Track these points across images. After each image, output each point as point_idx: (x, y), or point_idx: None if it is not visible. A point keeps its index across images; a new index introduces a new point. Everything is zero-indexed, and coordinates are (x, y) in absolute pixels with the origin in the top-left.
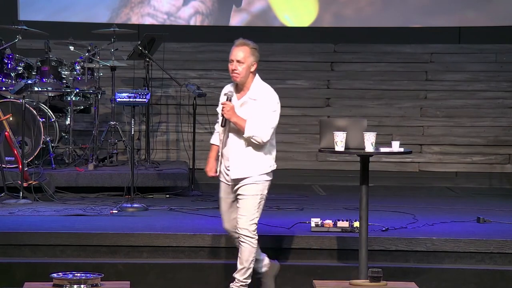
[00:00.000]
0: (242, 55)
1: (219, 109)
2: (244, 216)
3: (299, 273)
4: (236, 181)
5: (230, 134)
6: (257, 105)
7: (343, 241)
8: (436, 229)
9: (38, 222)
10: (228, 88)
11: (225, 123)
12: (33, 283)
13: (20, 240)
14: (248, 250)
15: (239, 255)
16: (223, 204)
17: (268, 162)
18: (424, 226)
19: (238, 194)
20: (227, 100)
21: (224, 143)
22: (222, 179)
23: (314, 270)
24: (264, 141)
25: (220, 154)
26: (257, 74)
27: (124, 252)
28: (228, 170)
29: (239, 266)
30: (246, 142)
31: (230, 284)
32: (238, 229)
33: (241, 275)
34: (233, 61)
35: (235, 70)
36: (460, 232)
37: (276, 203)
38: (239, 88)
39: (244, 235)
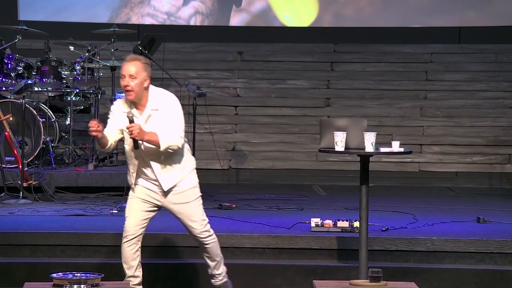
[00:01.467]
0: (134, 70)
1: (121, 125)
2: (197, 222)
3: (299, 273)
4: (168, 191)
5: (144, 152)
6: (162, 114)
7: (343, 241)
8: (436, 229)
9: (38, 222)
10: (123, 108)
11: (138, 145)
12: (33, 283)
13: (20, 240)
14: (215, 246)
15: (207, 255)
16: (137, 202)
17: (191, 162)
18: (424, 226)
19: (176, 203)
20: (130, 122)
21: (141, 163)
22: (145, 186)
23: (314, 270)
24: (180, 146)
25: (133, 172)
26: (150, 85)
27: None
28: (155, 184)
29: (212, 263)
30: (164, 153)
31: (213, 281)
32: (198, 235)
33: (219, 268)
34: (124, 76)
35: (127, 86)
36: (460, 232)
37: (276, 203)
38: (136, 103)
39: (206, 237)
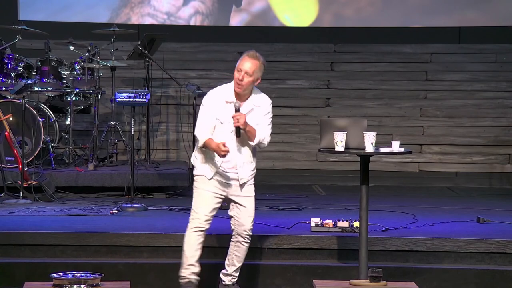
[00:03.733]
0: (252, 68)
1: (217, 114)
2: (251, 217)
3: (299, 273)
4: (243, 184)
5: (236, 141)
6: (261, 112)
7: (343, 241)
8: (436, 229)
9: (38, 222)
10: (224, 97)
11: (240, 133)
12: (33, 283)
13: (20, 240)
14: (247, 249)
15: (237, 254)
16: (211, 197)
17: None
18: (424, 226)
19: (244, 196)
20: (237, 110)
21: (231, 153)
22: (216, 177)
23: (314, 270)
24: (266, 146)
25: (215, 161)
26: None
27: (124, 252)
28: (231, 177)
29: (238, 264)
30: (248, 147)
31: (226, 282)
32: (246, 231)
33: (238, 270)
34: (241, 71)
35: (241, 80)
36: (460, 232)
37: (276, 203)
38: (239, 96)
39: (249, 235)
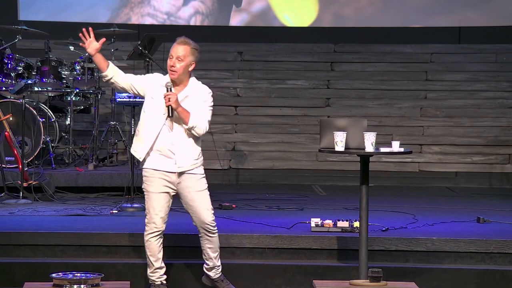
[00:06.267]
0: (182, 53)
1: (151, 92)
2: (208, 210)
3: (299, 273)
4: (181, 173)
5: (173, 126)
6: (197, 99)
7: (343, 241)
8: (436, 229)
9: (38, 222)
10: (161, 81)
11: (173, 113)
12: (33, 283)
13: (20, 240)
14: (217, 238)
15: (210, 246)
16: (159, 198)
17: (202, 157)
18: (424, 226)
19: (192, 191)
20: (168, 90)
21: (164, 136)
22: (156, 168)
23: (314, 270)
24: (202, 133)
25: (151, 143)
26: (192, 75)
27: (124, 252)
28: (169, 163)
29: (214, 254)
30: (187, 134)
31: (212, 274)
32: (208, 223)
33: (219, 259)
34: (172, 57)
35: (173, 66)
36: (460, 232)
37: (276, 203)
38: (175, 83)
39: (214, 226)
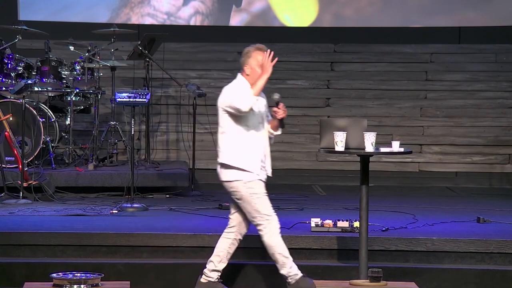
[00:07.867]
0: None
1: (258, 106)
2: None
3: None
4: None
5: (264, 133)
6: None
7: (343, 241)
8: (436, 229)
9: (38, 222)
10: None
11: (284, 124)
12: (33, 283)
13: (20, 240)
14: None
15: (230, 251)
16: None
17: None
18: (424, 226)
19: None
20: (277, 103)
21: (260, 142)
22: (260, 177)
23: (314, 270)
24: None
25: (256, 150)
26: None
27: (124, 252)
28: (264, 167)
29: (227, 261)
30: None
31: (215, 276)
32: (246, 231)
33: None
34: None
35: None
36: (460, 232)
37: (276, 203)
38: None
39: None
